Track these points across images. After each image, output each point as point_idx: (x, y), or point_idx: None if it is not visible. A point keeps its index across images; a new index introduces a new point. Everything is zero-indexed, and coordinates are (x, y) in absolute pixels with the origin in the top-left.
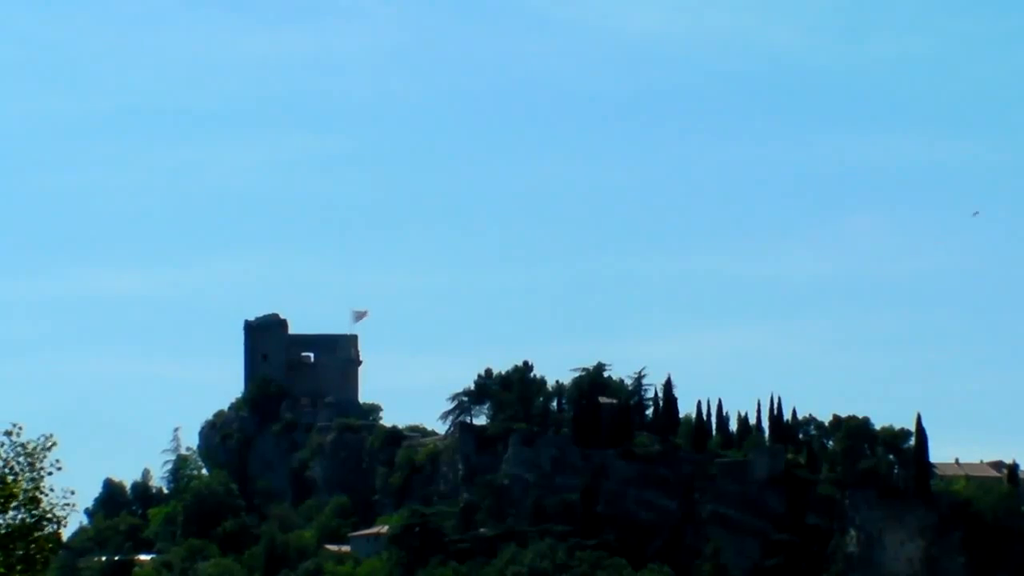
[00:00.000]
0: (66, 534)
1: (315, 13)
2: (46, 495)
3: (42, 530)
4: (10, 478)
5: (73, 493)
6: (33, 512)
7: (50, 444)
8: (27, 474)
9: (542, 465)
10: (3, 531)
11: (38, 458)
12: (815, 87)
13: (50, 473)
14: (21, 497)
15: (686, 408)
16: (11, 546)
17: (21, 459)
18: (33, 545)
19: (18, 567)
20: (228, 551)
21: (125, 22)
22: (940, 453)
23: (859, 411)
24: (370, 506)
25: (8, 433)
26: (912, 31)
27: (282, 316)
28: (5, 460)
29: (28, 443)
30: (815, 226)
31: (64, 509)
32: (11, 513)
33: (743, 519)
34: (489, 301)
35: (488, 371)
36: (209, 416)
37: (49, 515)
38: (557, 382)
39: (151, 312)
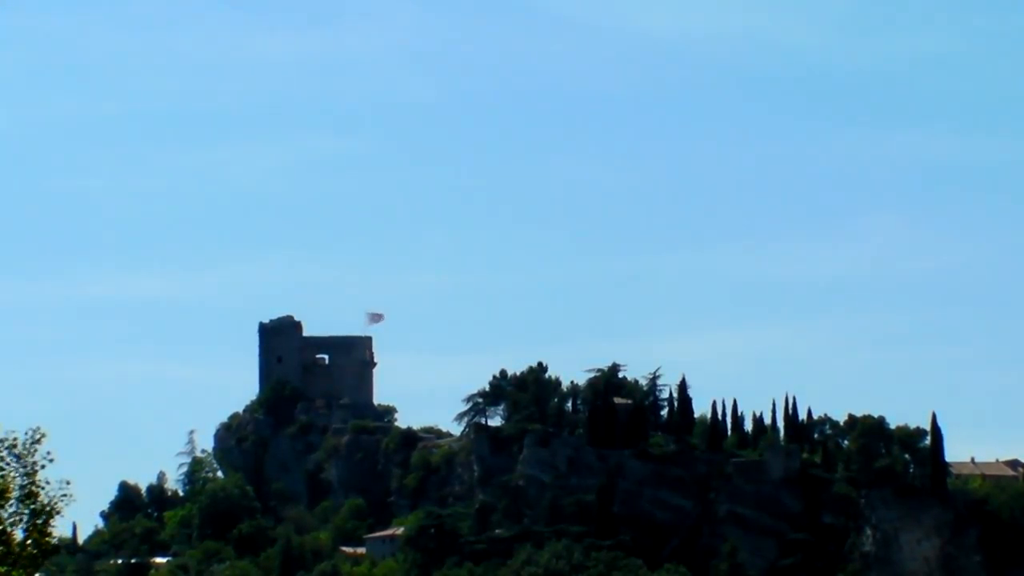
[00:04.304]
0: (81, 536)
1: (331, 15)
2: (43, 488)
3: (43, 524)
4: None
5: (69, 483)
6: (31, 506)
7: (39, 437)
8: (17, 469)
9: (557, 466)
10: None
11: (28, 452)
12: (831, 86)
13: (43, 466)
14: (16, 493)
15: (701, 408)
16: (11, 543)
17: (5, 454)
18: (29, 541)
19: (23, 562)
20: (244, 553)
21: (142, 25)
22: (956, 452)
23: (874, 410)
24: (385, 508)
25: None
26: (928, 29)
27: (297, 318)
28: None
29: (10, 437)
30: (830, 225)
31: (63, 499)
32: (9, 509)
33: (759, 519)
34: (504, 302)
35: (503, 372)
36: (224, 418)
37: (48, 508)
38: (572, 383)
39: (166, 315)
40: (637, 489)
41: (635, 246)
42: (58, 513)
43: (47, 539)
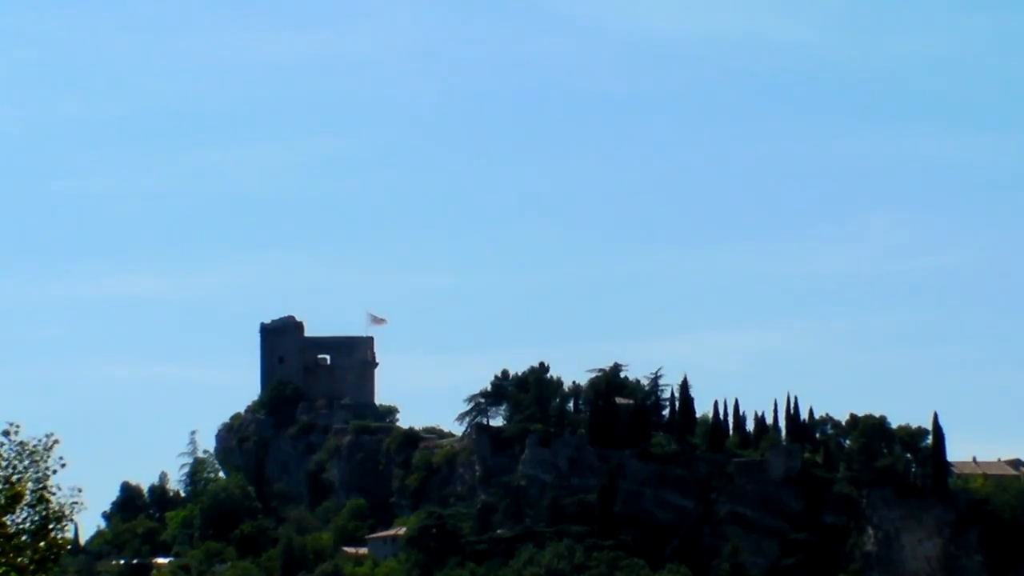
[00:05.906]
0: (83, 537)
1: (331, 15)
2: (54, 494)
3: (52, 530)
4: (14, 478)
5: (80, 491)
6: (42, 512)
7: (52, 443)
8: (31, 474)
9: (559, 466)
10: (12, 532)
11: (41, 457)
12: (833, 85)
13: (55, 471)
14: (28, 498)
15: (703, 408)
16: (21, 547)
17: (23, 458)
18: (42, 544)
19: (31, 567)
20: (245, 554)
21: (143, 26)
22: (957, 451)
23: (876, 410)
24: (387, 508)
25: (6, 433)
26: (930, 29)
27: (298, 318)
28: (8, 460)
29: (29, 443)
30: (832, 224)
31: (73, 507)
32: (21, 514)
33: (760, 518)
34: (505, 302)
35: (504, 372)
36: (226, 419)
37: (59, 514)
38: (574, 383)
39: (167, 315)
40: (638, 489)
41: (636, 246)
42: (69, 520)
43: (56, 541)
